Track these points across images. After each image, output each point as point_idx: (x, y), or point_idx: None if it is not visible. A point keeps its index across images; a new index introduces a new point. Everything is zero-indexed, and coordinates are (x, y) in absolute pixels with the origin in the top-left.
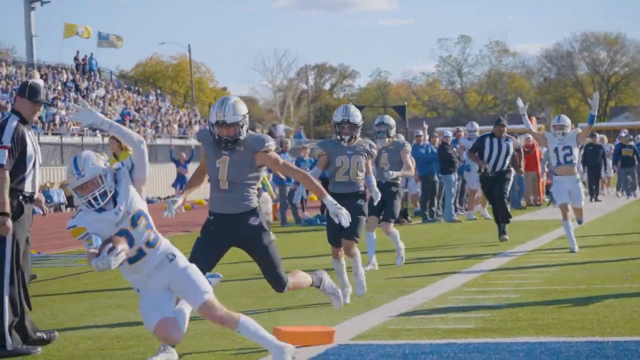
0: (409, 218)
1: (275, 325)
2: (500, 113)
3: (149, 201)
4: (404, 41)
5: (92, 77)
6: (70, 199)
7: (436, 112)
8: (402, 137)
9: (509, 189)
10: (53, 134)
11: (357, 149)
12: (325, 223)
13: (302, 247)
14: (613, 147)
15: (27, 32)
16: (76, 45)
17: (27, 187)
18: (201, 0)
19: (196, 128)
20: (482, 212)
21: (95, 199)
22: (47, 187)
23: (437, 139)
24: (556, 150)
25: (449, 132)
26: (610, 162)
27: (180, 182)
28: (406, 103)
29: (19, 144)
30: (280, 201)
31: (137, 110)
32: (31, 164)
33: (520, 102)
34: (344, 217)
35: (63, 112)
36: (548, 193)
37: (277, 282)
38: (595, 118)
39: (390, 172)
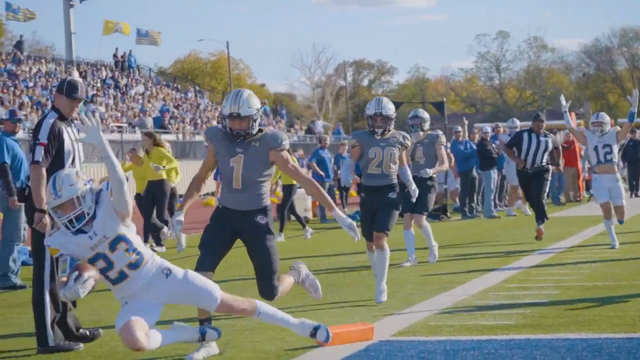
0: (448, 214)
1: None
2: (539, 109)
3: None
4: (441, 37)
5: (131, 74)
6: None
7: (475, 108)
8: (439, 131)
9: (546, 190)
10: None
11: (391, 140)
12: None
13: (341, 244)
14: None
15: (66, 30)
16: (115, 42)
17: None
18: None
19: None
20: (522, 209)
21: (70, 221)
22: None
23: (476, 135)
24: (596, 148)
25: (488, 128)
26: None
27: None
28: (445, 99)
29: (56, 140)
30: None
31: (176, 107)
32: (69, 161)
33: (563, 100)
34: (356, 231)
35: (102, 109)
36: (588, 189)
37: (269, 291)
38: (635, 115)
39: (426, 170)
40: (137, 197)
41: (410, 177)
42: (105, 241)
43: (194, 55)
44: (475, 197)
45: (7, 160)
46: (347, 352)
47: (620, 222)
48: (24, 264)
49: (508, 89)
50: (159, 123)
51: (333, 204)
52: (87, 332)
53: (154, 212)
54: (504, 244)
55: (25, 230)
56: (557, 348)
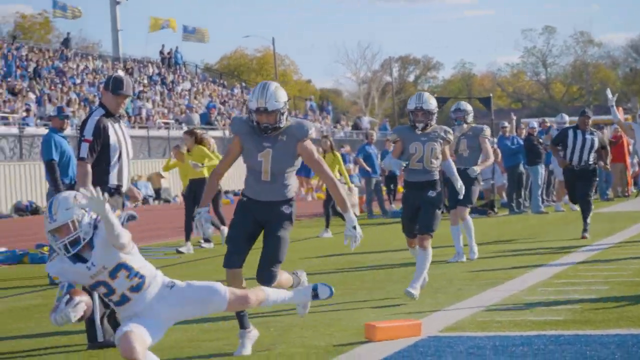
0: (496, 210)
1: (364, 318)
2: (585, 104)
3: (235, 194)
4: (487, 32)
5: (178, 71)
6: (157, 191)
7: (521, 103)
8: (484, 126)
9: (592, 191)
10: (140, 127)
11: (432, 135)
12: None
13: (388, 241)
14: None
15: (113, 26)
16: (161, 38)
17: (112, 180)
18: None
19: None
20: (569, 204)
21: (65, 246)
22: (134, 180)
23: (523, 131)
24: None
25: (534, 123)
26: None
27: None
28: (491, 94)
29: (101, 137)
30: (367, 193)
31: (223, 103)
32: (116, 157)
33: (609, 93)
34: (356, 240)
35: (149, 106)
36: (636, 184)
37: (267, 276)
38: None
39: (473, 168)
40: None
41: (455, 172)
42: (104, 271)
43: (240, 51)
44: (522, 193)
45: (55, 157)
46: (396, 348)
47: None
48: None
49: (554, 84)
50: (206, 119)
51: (348, 206)
52: None
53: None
54: (552, 239)
55: None
56: (606, 344)
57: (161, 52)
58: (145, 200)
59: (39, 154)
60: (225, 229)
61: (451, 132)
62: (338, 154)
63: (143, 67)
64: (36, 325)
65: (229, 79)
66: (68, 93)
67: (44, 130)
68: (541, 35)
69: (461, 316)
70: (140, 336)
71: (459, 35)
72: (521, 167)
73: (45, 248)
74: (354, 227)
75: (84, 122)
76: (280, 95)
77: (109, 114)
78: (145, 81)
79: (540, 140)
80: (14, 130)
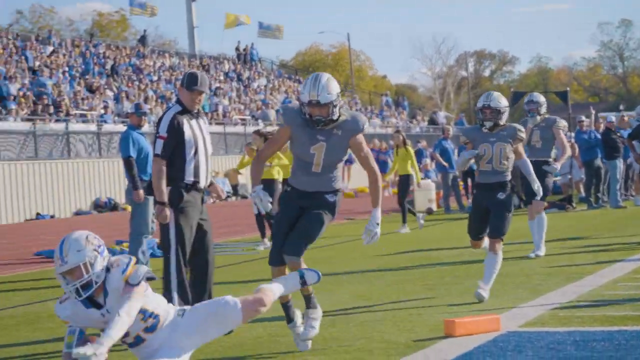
0: (574, 204)
1: (443, 313)
2: None
3: None
4: (563, 26)
5: (254, 67)
6: (235, 187)
7: (598, 97)
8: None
9: None
10: (216, 124)
11: (501, 135)
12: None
13: (465, 235)
14: None
15: (188, 23)
16: (237, 35)
17: (188, 176)
18: None
19: None
20: None
21: (77, 290)
22: (212, 176)
23: (601, 125)
24: None
25: (612, 117)
26: None
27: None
28: (568, 88)
29: (176, 133)
30: (444, 188)
31: (298, 99)
32: (191, 153)
33: None
34: (373, 238)
35: (226, 102)
36: None
37: (293, 247)
38: None
39: (553, 165)
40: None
41: (532, 170)
42: None
43: (315, 47)
44: (600, 187)
45: (133, 154)
46: (476, 343)
47: None
48: (153, 256)
49: (632, 77)
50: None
51: (379, 202)
52: None
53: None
54: (631, 234)
55: (154, 223)
56: None
57: (237, 49)
58: (227, 197)
59: (116, 151)
60: None
61: (522, 129)
62: (410, 149)
63: (219, 63)
64: None
65: (304, 75)
66: (145, 90)
67: (121, 127)
68: (618, 29)
69: (541, 311)
70: None
71: (534, 29)
72: (599, 162)
73: (125, 244)
74: (377, 224)
75: (160, 119)
76: (332, 87)
77: (185, 111)
78: (222, 77)
79: (618, 134)
80: (93, 127)
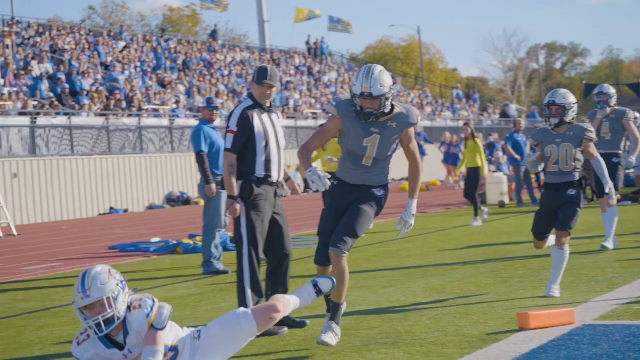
0: None
1: (517, 307)
2: None
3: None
4: (635, 18)
5: (324, 61)
6: (306, 181)
7: None
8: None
9: None
10: (288, 118)
11: (567, 136)
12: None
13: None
14: None
15: (259, 18)
16: (307, 29)
17: (259, 170)
18: None
19: (427, 110)
20: None
21: (98, 325)
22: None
23: None
24: None
25: None
26: None
27: (452, 160)
28: None
29: (246, 127)
30: (516, 181)
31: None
32: (261, 147)
33: None
34: (407, 228)
35: (297, 96)
36: None
37: (339, 243)
38: None
39: (629, 159)
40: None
41: (605, 172)
42: (140, 356)
43: (385, 40)
44: None
45: (204, 148)
46: (551, 337)
47: None
48: (226, 249)
49: None
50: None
51: (416, 194)
52: (297, 319)
53: None
54: None
55: (227, 217)
56: None
57: (307, 43)
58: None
59: (188, 145)
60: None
61: (591, 130)
62: (479, 141)
63: (290, 57)
64: (192, 314)
65: None
66: (216, 85)
67: (193, 122)
68: None
69: (616, 304)
70: None
71: (606, 21)
72: None
73: (198, 238)
74: (412, 215)
75: (231, 114)
76: (385, 80)
77: (256, 105)
78: (292, 72)
79: None
80: (165, 122)
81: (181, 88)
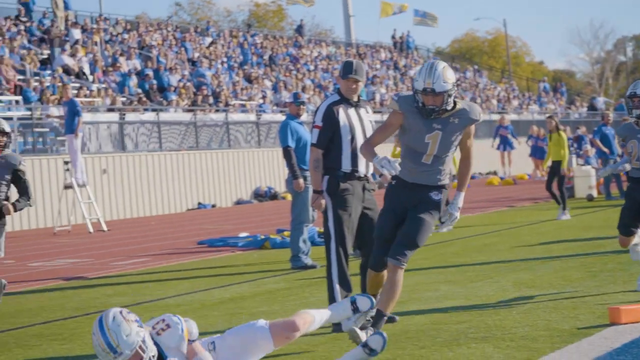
0: None
1: (608, 301)
2: None
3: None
4: None
5: (410, 55)
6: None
7: None
8: None
9: None
10: (374, 112)
11: None
12: None
13: None
14: None
15: (344, 13)
16: (393, 23)
17: (345, 164)
18: None
19: (514, 103)
20: None
21: None
22: None
23: None
24: None
25: None
26: None
27: (540, 153)
28: None
29: (331, 122)
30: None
31: (456, 87)
32: (347, 141)
33: None
34: (452, 221)
35: (383, 90)
36: None
37: (398, 254)
38: None
39: None
40: None
41: None
42: None
43: (471, 34)
44: None
45: (291, 143)
46: None
47: None
48: (313, 244)
49: None
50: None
51: (464, 188)
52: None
53: None
54: None
55: (314, 211)
56: None
57: (393, 37)
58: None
59: (275, 140)
60: None
61: None
62: (564, 134)
63: (375, 52)
64: (280, 308)
65: (460, 62)
66: (302, 79)
67: (280, 117)
68: None
69: None
70: None
71: None
72: None
73: (286, 233)
74: (458, 208)
75: (317, 109)
76: (448, 76)
77: (343, 100)
78: (378, 66)
79: None
80: (252, 117)
81: (267, 83)
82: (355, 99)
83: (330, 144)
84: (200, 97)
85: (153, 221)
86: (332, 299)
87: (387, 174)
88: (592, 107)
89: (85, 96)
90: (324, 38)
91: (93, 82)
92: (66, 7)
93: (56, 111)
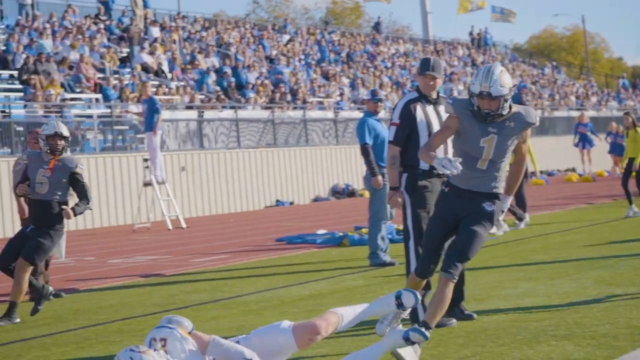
0: None
1: None
2: None
3: (549, 174)
4: None
5: (488, 51)
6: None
7: None
8: None
9: None
10: None
11: None
12: None
13: None
14: None
15: (422, 9)
16: (470, 20)
17: (423, 162)
18: None
19: (593, 100)
20: None
21: None
22: None
23: None
24: None
25: None
26: None
27: (619, 150)
28: None
29: (408, 119)
30: None
31: (533, 83)
32: (425, 138)
33: None
34: (497, 226)
35: (461, 87)
36: None
37: (450, 267)
38: None
39: None
40: None
41: None
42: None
43: (549, 30)
44: None
45: (369, 140)
46: None
47: None
48: (391, 241)
49: None
50: (517, 100)
51: (512, 192)
52: (466, 311)
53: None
54: None
55: (392, 209)
56: None
57: (470, 33)
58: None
59: (353, 137)
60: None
61: None
62: None
63: (453, 48)
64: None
65: (538, 58)
66: (380, 77)
67: (357, 114)
68: None
69: None
70: None
71: None
72: None
73: (364, 230)
74: (502, 212)
75: (395, 106)
76: (505, 80)
77: (421, 97)
78: (456, 63)
79: None
80: (329, 114)
81: (345, 80)
82: (433, 95)
83: (408, 141)
84: (278, 95)
85: (231, 218)
86: None
87: (450, 173)
88: None
89: (164, 94)
90: (401, 35)
91: (172, 79)
92: (145, 6)
93: (135, 109)
